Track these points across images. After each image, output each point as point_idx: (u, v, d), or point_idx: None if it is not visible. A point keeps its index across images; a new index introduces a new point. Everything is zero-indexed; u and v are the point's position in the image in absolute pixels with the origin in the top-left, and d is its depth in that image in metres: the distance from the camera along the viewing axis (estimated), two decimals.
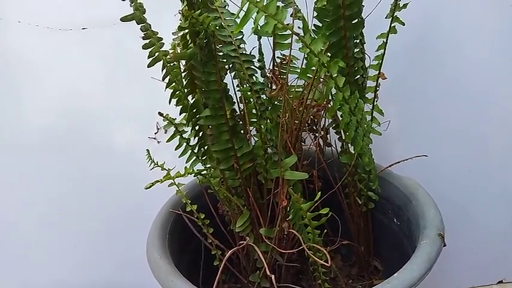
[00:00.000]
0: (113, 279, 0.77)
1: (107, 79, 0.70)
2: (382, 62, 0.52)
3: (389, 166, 0.56)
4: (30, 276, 0.76)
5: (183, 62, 0.49)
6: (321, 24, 0.46)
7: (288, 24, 0.37)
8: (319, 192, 0.44)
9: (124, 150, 0.72)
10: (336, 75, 0.41)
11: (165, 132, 0.73)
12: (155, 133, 0.72)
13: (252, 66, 0.47)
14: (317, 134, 0.58)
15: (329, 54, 0.45)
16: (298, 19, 0.49)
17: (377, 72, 0.53)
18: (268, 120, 0.48)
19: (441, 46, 0.68)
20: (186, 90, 0.47)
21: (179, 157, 0.53)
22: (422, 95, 0.70)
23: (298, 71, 0.58)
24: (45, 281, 0.77)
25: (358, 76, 0.49)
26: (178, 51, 0.47)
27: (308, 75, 0.53)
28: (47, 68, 0.69)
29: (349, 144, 0.55)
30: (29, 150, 0.71)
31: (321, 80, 0.56)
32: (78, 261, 0.76)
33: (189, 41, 0.45)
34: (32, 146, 0.71)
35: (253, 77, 0.47)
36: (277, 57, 0.58)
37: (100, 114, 0.71)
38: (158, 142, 0.72)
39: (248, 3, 0.35)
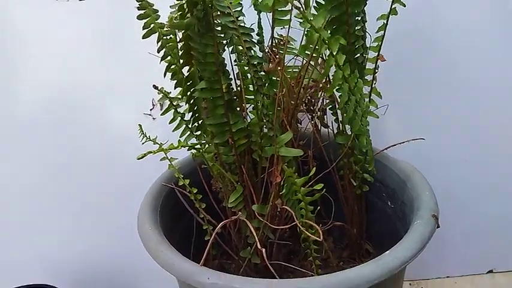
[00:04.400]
0: (103, 253, 0.77)
1: (104, 52, 0.68)
2: (381, 43, 0.51)
3: (386, 149, 0.55)
4: (17, 248, 0.76)
5: (180, 34, 0.48)
6: (323, 2, 0.45)
7: None
8: (314, 168, 0.43)
9: (119, 125, 0.71)
10: (336, 52, 0.40)
11: (161, 109, 0.72)
12: (151, 109, 0.71)
13: (251, 39, 0.46)
14: (314, 115, 0.58)
15: (330, 30, 0.44)
16: None
17: (376, 54, 0.52)
18: (265, 97, 0.47)
19: (441, 32, 0.67)
20: (181, 61, 0.46)
21: (173, 131, 0.52)
22: (421, 81, 0.70)
23: (296, 51, 0.57)
24: (34, 253, 0.76)
25: (358, 55, 0.48)
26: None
27: (307, 52, 0.52)
28: (42, 40, 0.67)
29: (346, 125, 0.55)
30: (21, 124, 0.70)
31: (319, 60, 0.55)
32: (69, 233, 0.76)
33: (187, 11, 0.44)
34: (24, 119, 0.70)
35: (251, 51, 0.46)
36: (275, 37, 0.57)
37: (95, 88, 0.70)
38: (154, 118, 0.71)
39: None
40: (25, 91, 0.69)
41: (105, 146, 0.72)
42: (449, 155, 0.74)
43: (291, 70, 0.56)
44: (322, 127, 0.60)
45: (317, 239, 0.40)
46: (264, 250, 0.41)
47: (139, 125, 0.54)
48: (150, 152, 0.45)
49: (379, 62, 0.52)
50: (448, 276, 0.81)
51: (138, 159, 0.44)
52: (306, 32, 0.50)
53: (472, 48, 0.68)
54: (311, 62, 0.51)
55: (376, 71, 0.52)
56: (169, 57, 0.49)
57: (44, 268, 0.76)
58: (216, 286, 0.38)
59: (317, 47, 0.41)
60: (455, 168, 0.75)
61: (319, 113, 0.58)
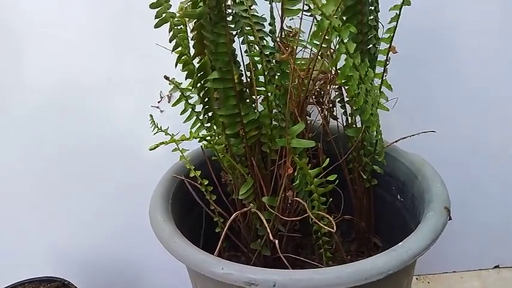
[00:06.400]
0: (112, 245, 0.77)
1: (112, 44, 0.68)
2: (393, 35, 0.50)
3: (396, 141, 0.55)
4: (26, 241, 0.76)
5: (190, 25, 0.47)
6: None
7: None
8: (328, 159, 0.43)
9: (126, 118, 0.71)
10: (346, 40, 0.40)
11: (169, 101, 0.72)
12: (158, 102, 0.71)
13: (263, 29, 0.46)
14: (323, 107, 0.58)
15: (344, 17, 0.44)
16: None
17: (388, 45, 0.52)
18: (277, 88, 0.47)
19: (449, 27, 0.67)
20: (193, 51, 0.46)
21: (184, 122, 0.52)
22: (431, 74, 0.70)
23: (305, 43, 0.56)
24: (43, 245, 0.76)
25: (371, 45, 0.48)
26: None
27: (316, 42, 0.52)
28: (50, 26, 0.66)
29: (356, 118, 0.55)
30: (29, 111, 0.69)
31: (329, 51, 0.55)
32: (77, 225, 0.76)
33: (199, 0, 0.44)
34: (32, 107, 0.69)
35: (264, 40, 0.46)
36: (284, 28, 0.56)
37: (101, 80, 0.69)
38: (161, 111, 0.71)
39: None
40: (32, 78, 0.68)
41: (112, 138, 0.72)
42: (455, 149, 0.74)
43: (299, 62, 0.56)
44: (331, 120, 0.59)
45: (330, 229, 0.40)
46: (277, 241, 0.41)
47: (150, 115, 0.53)
48: (163, 143, 0.44)
49: (390, 54, 0.52)
50: (454, 271, 0.81)
51: (151, 149, 0.44)
52: (314, 23, 0.50)
53: (481, 40, 0.67)
54: (320, 54, 0.51)
55: (387, 62, 0.52)
56: (180, 48, 0.49)
57: (52, 261, 0.76)
58: (230, 276, 0.38)
59: (327, 36, 0.41)
60: (462, 162, 0.75)
61: (328, 105, 0.58)
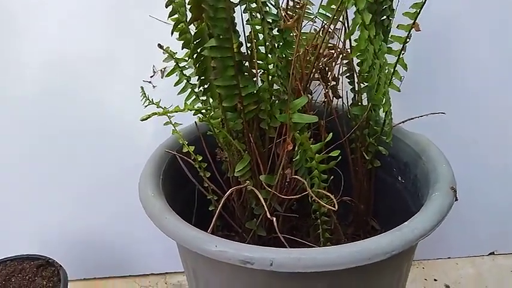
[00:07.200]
0: (98, 224, 0.75)
1: (102, 17, 0.64)
2: (420, 11, 0.46)
3: (402, 122, 0.53)
4: (10, 218, 0.74)
5: None
6: None
7: None
8: (331, 134, 0.40)
9: (118, 93, 0.68)
10: (362, 9, 0.37)
11: (162, 77, 0.68)
12: (151, 76, 0.67)
13: None
14: (328, 84, 0.55)
15: None
16: None
17: (412, 21, 0.47)
18: (279, 59, 0.44)
19: (459, 13, 0.64)
20: (190, 16, 0.42)
21: (178, 94, 0.49)
22: (438, 56, 0.67)
23: (312, 16, 0.54)
24: (37, 226, 0.74)
25: (385, 17, 0.45)
26: None
27: (327, 14, 0.49)
28: (39, 5, 0.63)
29: (363, 96, 0.52)
30: (22, 93, 0.66)
31: (333, 28, 0.52)
32: (71, 208, 0.73)
33: None
34: (24, 88, 0.66)
35: (267, 7, 0.42)
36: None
37: (93, 54, 0.66)
38: (154, 86, 0.67)
39: None
40: (27, 61, 0.65)
41: (104, 114, 0.69)
42: (458, 134, 0.73)
43: (305, 37, 0.53)
44: (334, 98, 0.57)
45: (331, 208, 0.38)
46: (274, 219, 0.39)
47: (141, 87, 0.51)
48: (155, 114, 0.41)
49: (412, 31, 0.48)
50: (449, 257, 0.81)
51: (142, 120, 0.41)
52: None
53: (491, 26, 0.65)
54: (328, 27, 0.48)
55: (408, 40, 0.48)
56: (177, 15, 0.46)
57: (35, 239, 0.74)
58: (224, 254, 0.36)
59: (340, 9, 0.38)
60: (462, 148, 0.73)
61: (333, 82, 0.55)
